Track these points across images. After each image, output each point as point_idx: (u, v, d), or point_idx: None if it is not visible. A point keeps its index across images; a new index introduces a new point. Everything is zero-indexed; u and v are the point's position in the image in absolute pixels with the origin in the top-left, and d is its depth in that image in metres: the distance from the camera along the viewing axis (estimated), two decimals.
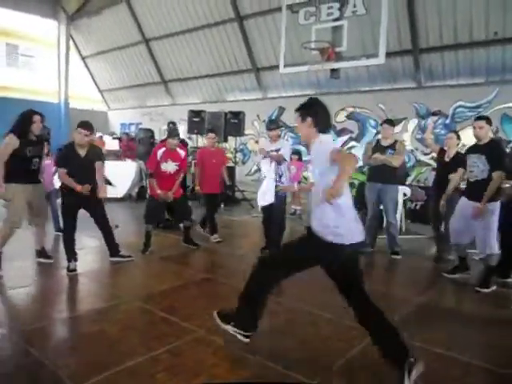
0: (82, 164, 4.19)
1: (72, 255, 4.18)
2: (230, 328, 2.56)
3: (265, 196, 4.90)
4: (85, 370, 2.37)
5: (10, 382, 2.25)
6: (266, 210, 5.00)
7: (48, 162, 5.33)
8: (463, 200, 4.25)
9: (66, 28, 15.47)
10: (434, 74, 9.06)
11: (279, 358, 2.58)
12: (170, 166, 4.98)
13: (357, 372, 2.47)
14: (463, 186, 4.56)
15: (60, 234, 5.66)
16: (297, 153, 8.01)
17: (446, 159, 4.85)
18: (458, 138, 4.92)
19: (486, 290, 3.97)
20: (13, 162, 3.96)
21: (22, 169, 4.02)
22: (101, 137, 10.42)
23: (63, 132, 13.38)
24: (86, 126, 4.15)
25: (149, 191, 5.43)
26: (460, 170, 4.57)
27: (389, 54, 7.52)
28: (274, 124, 5.23)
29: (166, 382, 2.30)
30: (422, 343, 2.85)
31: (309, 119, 2.57)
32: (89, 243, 5.25)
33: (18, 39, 15.89)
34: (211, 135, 5.85)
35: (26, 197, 4.09)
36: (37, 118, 4.09)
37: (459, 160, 4.60)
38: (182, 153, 5.12)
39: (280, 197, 4.94)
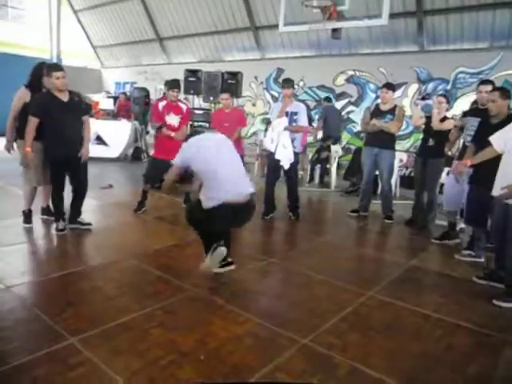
0: (65, 110, 3.86)
1: (60, 215, 4.09)
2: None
3: (281, 153, 4.82)
4: (81, 324, 2.42)
5: (9, 336, 2.28)
6: (275, 170, 4.98)
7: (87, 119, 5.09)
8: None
9: None
10: (436, 37, 8.81)
11: (272, 317, 2.64)
12: (173, 120, 4.85)
13: (347, 332, 2.53)
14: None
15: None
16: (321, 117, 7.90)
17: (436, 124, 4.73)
18: (448, 102, 4.85)
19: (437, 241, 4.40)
20: (25, 117, 3.81)
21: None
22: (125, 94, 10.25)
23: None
24: (58, 67, 3.91)
25: (153, 152, 5.26)
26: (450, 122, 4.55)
27: (392, 16, 7.24)
28: (289, 82, 4.99)
29: (160, 337, 2.35)
30: (410, 305, 2.93)
31: None
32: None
33: None
34: (224, 95, 5.32)
35: (39, 154, 3.95)
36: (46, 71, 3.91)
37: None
38: (183, 106, 5.00)
39: (293, 163, 4.90)
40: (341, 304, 2.89)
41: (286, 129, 4.82)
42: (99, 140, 8.77)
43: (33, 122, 3.80)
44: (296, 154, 4.97)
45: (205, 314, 2.66)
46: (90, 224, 4.28)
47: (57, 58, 15.18)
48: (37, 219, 4.39)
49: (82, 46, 16.37)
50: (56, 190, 4.07)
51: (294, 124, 4.86)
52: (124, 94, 11.12)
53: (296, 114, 4.88)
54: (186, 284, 3.07)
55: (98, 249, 3.90)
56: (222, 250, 3.03)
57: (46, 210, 4.46)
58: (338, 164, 7.92)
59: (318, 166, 7.72)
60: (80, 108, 4.07)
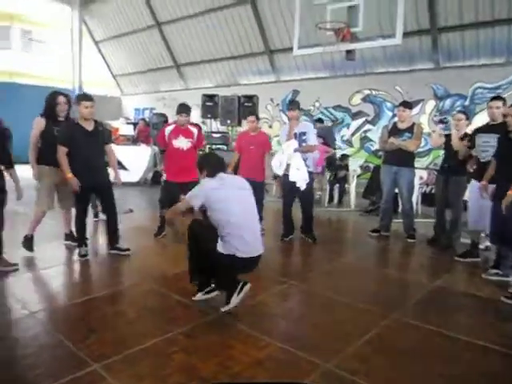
0: (90, 139, 4.02)
1: (83, 240, 4.18)
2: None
3: (295, 175, 4.82)
4: (104, 350, 2.43)
5: (34, 362, 2.31)
6: (291, 191, 4.96)
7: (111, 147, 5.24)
8: (475, 184, 4.16)
9: (78, 12, 15.45)
10: (452, 54, 8.82)
11: (293, 340, 2.60)
12: (182, 143, 4.80)
13: (371, 356, 2.47)
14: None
15: (97, 219, 5.78)
16: (320, 136, 7.89)
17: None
18: (467, 118, 4.79)
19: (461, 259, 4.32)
20: (42, 143, 4.07)
21: (51, 149, 3.96)
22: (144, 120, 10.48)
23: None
24: (88, 97, 4.07)
25: (164, 176, 5.32)
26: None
27: (406, 34, 7.32)
28: (294, 104, 5.07)
29: (182, 362, 2.34)
30: (436, 327, 2.84)
31: None
32: (101, 227, 5.31)
33: (31, 24, 15.95)
34: (251, 118, 5.26)
35: (54, 179, 4.14)
36: (61, 99, 4.14)
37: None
38: (194, 130, 4.94)
39: (308, 183, 4.88)
40: (364, 327, 2.83)
41: (295, 150, 4.83)
42: (119, 165, 8.91)
43: (61, 151, 3.96)
44: (310, 174, 4.95)
45: (225, 338, 2.63)
46: (128, 250, 4.33)
47: (79, 88, 15.75)
48: (60, 244, 4.49)
49: (102, 75, 16.97)
50: (79, 215, 4.17)
51: (303, 144, 4.85)
52: (143, 120, 11.40)
53: (305, 134, 4.88)
54: (206, 308, 3.06)
55: (119, 273, 3.95)
56: (248, 288, 2.95)
57: (69, 236, 4.56)
58: (356, 183, 7.87)
59: (337, 185, 7.69)
60: (103, 137, 4.22)
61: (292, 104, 5.12)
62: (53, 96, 4.15)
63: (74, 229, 4.37)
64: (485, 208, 3.90)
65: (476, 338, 2.71)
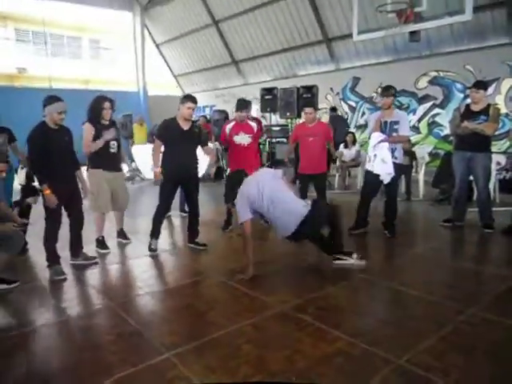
0: (184, 138, 4.18)
1: (155, 234, 4.35)
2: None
3: (380, 168, 4.57)
4: (176, 339, 2.53)
5: (114, 349, 2.47)
6: (372, 184, 4.74)
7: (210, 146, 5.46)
8: None
9: (140, 18, 16.19)
10: None
11: (363, 335, 2.53)
12: (243, 139, 4.87)
13: (447, 353, 2.32)
14: None
15: (184, 214, 5.98)
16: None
17: None
18: None
19: None
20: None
21: (102, 153, 4.15)
22: (205, 117, 10.75)
23: (145, 119, 14.11)
24: (193, 99, 4.16)
25: (229, 171, 5.42)
26: None
27: (476, 9, 6.78)
28: (388, 90, 4.65)
29: (250, 354, 2.36)
30: None
31: None
32: (176, 223, 5.53)
33: (98, 33, 16.98)
34: (308, 109, 5.14)
35: (109, 183, 4.28)
36: (106, 104, 4.18)
37: None
38: (254, 125, 5.00)
39: (394, 176, 4.60)
40: (438, 322, 2.68)
41: (384, 141, 4.53)
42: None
43: (157, 145, 4.24)
44: (399, 166, 4.65)
45: (293, 331, 2.63)
46: (205, 245, 4.48)
47: (143, 90, 16.52)
48: (127, 241, 4.74)
49: (164, 77, 17.65)
50: (160, 209, 4.35)
51: (394, 134, 4.59)
52: (204, 116, 11.69)
53: (397, 123, 4.58)
54: (273, 301, 3.08)
55: (187, 267, 4.09)
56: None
57: (120, 234, 4.76)
58: (425, 171, 7.45)
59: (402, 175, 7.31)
60: (197, 138, 4.38)
61: (385, 90, 4.69)
62: (98, 101, 4.20)
63: (125, 228, 4.69)
64: None
65: None
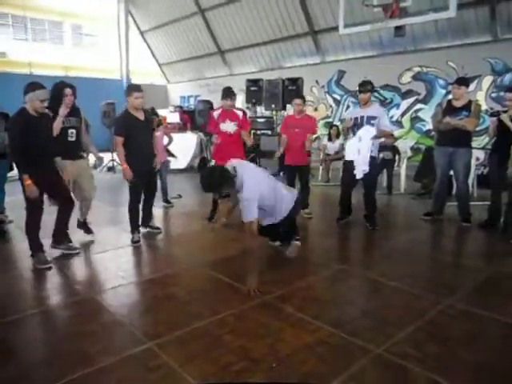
0: (143, 128, 4.19)
1: (136, 227, 4.35)
2: None
3: (359, 162, 4.64)
4: (158, 330, 2.54)
5: (95, 338, 2.46)
6: (353, 175, 4.76)
7: (158, 134, 5.39)
8: None
9: (124, 4, 15.87)
10: None
11: (343, 325, 2.58)
12: (229, 127, 4.86)
13: (424, 343, 2.39)
14: None
15: (168, 205, 6.00)
16: None
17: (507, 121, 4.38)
18: None
19: None
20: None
21: (59, 142, 3.91)
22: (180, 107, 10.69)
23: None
24: (138, 87, 4.15)
25: (214, 162, 5.40)
26: None
27: (460, 6, 6.86)
28: (365, 85, 4.68)
29: (232, 343, 2.39)
30: (496, 315, 2.71)
31: None
32: (154, 212, 5.49)
33: (80, 19, 16.54)
34: (297, 101, 5.25)
35: (70, 172, 4.03)
36: (67, 90, 3.99)
37: None
38: (239, 113, 4.99)
39: (371, 169, 4.65)
40: (416, 313, 2.75)
41: (375, 137, 4.59)
42: (168, 152, 9.20)
43: (119, 142, 4.13)
44: (373, 159, 4.70)
45: (275, 321, 2.66)
46: (159, 228, 4.61)
47: (126, 78, 16.25)
48: (112, 230, 4.70)
49: (148, 65, 17.38)
50: (133, 202, 4.34)
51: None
52: (180, 107, 11.64)
53: (374, 118, 4.62)
54: (256, 292, 3.10)
55: (170, 257, 4.08)
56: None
57: (82, 225, 4.50)
58: (406, 165, 7.57)
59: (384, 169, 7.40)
60: (152, 124, 4.41)
61: (362, 86, 4.70)
62: (59, 87, 4.00)
63: (108, 216, 4.64)
64: None
65: None
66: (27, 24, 14.51)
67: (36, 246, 3.64)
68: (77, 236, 4.31)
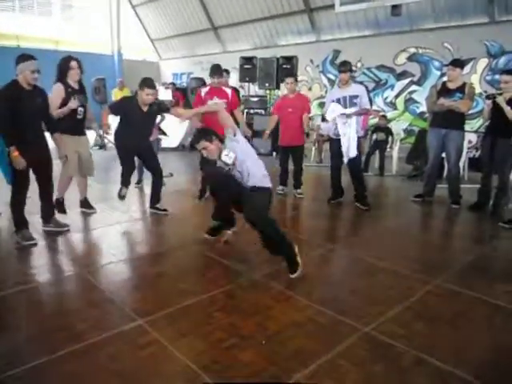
0: (142, 119, 4.23)
1: (126, 182, 4.43)
2: None
3: (345, 146, 4.67)
4: (148, 307, 2.54)
5: (84, 316, 2.46)
6: (339, 155, 4.80)
7: None
8: None
9: None
10: (510, 6, 8.07)
11: (333, 304, 2.61)
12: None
13: (411, 322, 2.43)
14: None
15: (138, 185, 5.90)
16: None
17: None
18: None
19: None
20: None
21: (70, 119, 4.01)
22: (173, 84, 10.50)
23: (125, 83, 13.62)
24: (153, 85, 4.14)
25: None
26: None
27: None
28: (346, 65, 4.73)
29: (222, 320, 2.40)
30: (481, 295, 2.76)
31: None
32: (147, 191, 5.45)
33: None
34: (289, 79, 5.24)
35: (75, 147, 4.14)
36: (73, 63, 3.98)
37: None
38: (228, 90, 4.96)
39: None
40: (405, 292, 2.79)
41: (349, 114, 4.61)
42: (159, 130, 9.09)
43: (107, 112, 4.24)
44: (358, 139, 4.76)
45: (264, 299, 2.68)
46: (166, 210, 4.55)
47: (118, 54, 15.89)
48: (102, 208, 4.66)
49: (140, 40, 16.98)
50: (125, 166, 4.42)
51: (353, 109, 4.65)
52: (173, 84, 11.41)
53: (356, 97, 4.65)
54: (245, 269, 3.12)
55: (161, 235, 4.08)
56: None
57: (84, 203, 4.54)
58: (399, 147, 7.57)
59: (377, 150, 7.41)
60: (155, 117, 4.49)
61: (342, 65, 4.75)
62: (66, 60, 4.00)
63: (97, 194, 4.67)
64: None
65: None
66: None
67: (20, 222, 3.59)
68: (71, 213, 4.28)
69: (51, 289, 2.87)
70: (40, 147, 3.62)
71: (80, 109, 4.10)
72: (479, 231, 4.36)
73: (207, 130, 3.37)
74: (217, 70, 4.87)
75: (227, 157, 3.13)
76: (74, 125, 4.09)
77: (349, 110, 4.64)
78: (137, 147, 4.32)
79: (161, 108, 4.46)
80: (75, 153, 4.17)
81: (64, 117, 3.97)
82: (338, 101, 4.72)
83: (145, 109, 4.20)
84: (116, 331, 2.28)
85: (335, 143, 4.84)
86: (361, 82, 8.24)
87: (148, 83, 4.11)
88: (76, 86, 4.08)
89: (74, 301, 2.66)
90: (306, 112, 5.30)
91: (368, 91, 5.13)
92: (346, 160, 4.76)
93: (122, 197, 4.44)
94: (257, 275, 3.02)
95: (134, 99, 4.22)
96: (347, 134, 4.65)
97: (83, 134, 4.31)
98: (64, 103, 3.95)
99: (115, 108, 4.30)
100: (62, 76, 4.00)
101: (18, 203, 3.56)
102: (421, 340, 2.24)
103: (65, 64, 3.99)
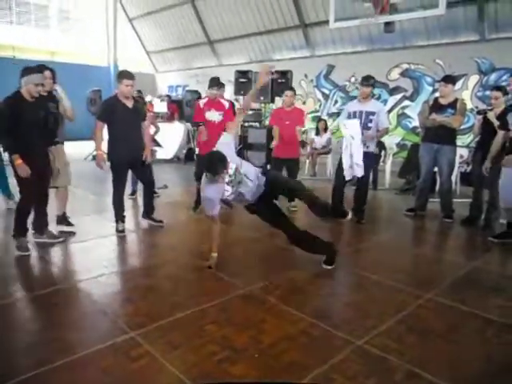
0: (130, 116, 4.08)
1: (120, 216, 4.28)
2: None
3: (352, 167, 4.60)
4: (141, 319, 2.53)
5: (77, 327, 2.44)
6: (342, 178, 4.78)
7: (146, 123, 5.27)
8: None
9: None
10: (499, 24, 8.26)
11: (326, 317, 2.61)
12: (214, 116, 4.87)
13: (404, 335, 2.44)
14: None
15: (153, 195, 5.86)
16: None
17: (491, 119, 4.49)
18: (505, 93, 4.54)
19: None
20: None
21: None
22: (149, 101, 10.52)
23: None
24: (130, 75, 4.03)
25: (197, 150, 5.38)
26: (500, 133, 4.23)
27: (450, 4, 6.90)
28: (368, 80, 4.74)
29: (215, 333, 2.39)
30: (473, 309, 2.77)
31: None
32: (138, 202, 5.45)
33: (67, 3, 16.14)
34: (289, 92, 5.34)
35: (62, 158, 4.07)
36: (46, 73, 3.88)
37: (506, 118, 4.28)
38: (225, 103, 5.00)
39: (369, 164, 4.73)
40: (397, 306, 2.80)
41: (366, 138, 4.62)
42: (154, 142, 9.12)
43: (99, 126, 4.06)
44: (372, 155, 4.80)
45: (258, 312, 2.68)
46: (161, 221, 4.49)
47: (114, 66, 15.98)
48: (96, 218, 4.64)
49: (136, 53, 17.11)
50: (117, 192, 4.25)
51: (369, 125, 4.68)
52: (168, 96, 11.49)
53: (373, 114, 4.68)
54: (239, 282, 3.12)
55: (155, 247, 4.06)
56: None
57: (62, 218, 4.36)
58: (391, 161, 7.64)
59: None
60: (141, 113, 4.30)
61: (365, 80, 4.75)
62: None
63: (92, 206, 4.56)
64: None
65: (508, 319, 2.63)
66: (11, 5, 14.11)
67: (21, 230, 3.58)
68: (59, 226, 4.25)
69: (43, 300, 2.83)
70: (42, 159, 3.63)
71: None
72: (471, 245, 4.39)
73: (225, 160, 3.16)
74: (216, 82, 4.93)
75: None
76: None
77: (365, 135, 4.60)
78: (133, 153, 4.15)
79: (143, 110, 4.38)
80: (66, 164, 4.14)
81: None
82: (355, 114, 4.75)
83: (129, 104, 4.09)
84: (108, 343, 2.26)
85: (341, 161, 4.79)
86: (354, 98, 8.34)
87: (125, 74, 4.05)
88: (45, 94, 3.87)
89: (66, 313, 2.64)
90: (300, 125, 5.36)
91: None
92: (346, 174, 4.71)
93: (120, 231, 4.25)
94: (250, 288, 3.02)
95: (115, 97, 4.11)
96: (348, 150, 4.63)
97: (58, 142, 4.13)
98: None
99: (101, 113, 4.14)
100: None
101: (23, 211, 3.57)
102: (413, 354, 2.25)
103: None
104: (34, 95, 3.45)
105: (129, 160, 4.17)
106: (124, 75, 4.05)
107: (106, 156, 4.14)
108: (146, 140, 4.36)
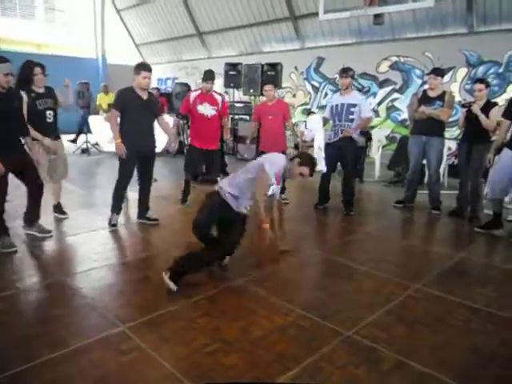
0: (143, 107, 4.05)
1: (117, 209, 4.26)
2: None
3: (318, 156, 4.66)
4: (131, 313, 2.54)
5: (67, 321, 2.43)
6: (333, 162, 4.92)
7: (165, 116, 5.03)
8: (507, 152, 4.01)
9: None
10: (488, 17, 8.31)
11: (315, 308, 2.64)
12: (207, 110, 4.82)
13: (392, 325, 2.48)
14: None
15: None
16: None
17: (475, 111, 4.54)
18: (487, 86, 4.62)
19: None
20: (29, 118, 3.72)
21: (38, 124, 3.90)
22: (157, 89, 10.40)
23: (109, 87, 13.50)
24: (148, 67, 4.00)
25: (189, 140, 5.36)
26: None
27: None
28: (346, 71, 4.79)
29: (206, 325, 2.41)
30: (460, 299, 2.83)
31: None
32: (130, 196, 5.42)
33: None
34: (267, 86, 5.24)
35: (43, 151, 4.03)
36: (37, 69, 3.86)
37: (490, 107, 4.45)
38: (219, 97, 4.93)
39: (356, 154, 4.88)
40: (386, 296, 2.84)
41: (355, 131, 4.79)
42: None
43: (114, 115, 4.04)
44: (358, 148, 4.96)
45: (248, 304, 2.69)
46: (156, 220, 4.42)
47: (102, 58, 15.77)
48: (87, 213, 4.61)
49: (125, 45, 16.89)
50: (120, 182, 4.20)
51: (350, 117, 4.76)
52: (157, 89, 11.38)
53: (354, 106, 4.74)
54: (229, 274, 3.13)
55: (145, 241, 4.05)
56: None
57: (57, 208, 4.47)
58: (381, 153, 7.69)
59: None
60: (156, 108, 4.26)
61: (344, 71, 4.81)
62: (29, 67, 3.87)
63: (81, 200, 4.52)
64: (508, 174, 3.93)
65: (500, 310, 2.68)
66: None
67: (0, 230, 3.51)
68: (50, 219, 4.21)
69: (32, 295, 2.82)
70: (17, 151, 3.53)
71: (49, 112, 4.02)
72: (458, 236, 4.46)
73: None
74: (211, 76, 4.85)
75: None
76: (44, 129, 3.98)
77: (346, 130, 4.76)
78: (144, 144, 4.12)
79: (158, 102, 4.39)
80: (46, 157, 4.09)
81: (34, 122, 3.81)
82: (337, 107, 4.82)
83: (144, 96, 4.06)
84: (98, 337, 2.26)
85: (329, 149, 4.85)
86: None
87: (143, 66, 4.03)
88: (41, 90, 3.97)
89: (56, 307, 2.62)
90: (287, 118, 5.31)
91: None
92: (323, 170, 4.83)
93: (113, 225, 4.21)
94: (240, 280, 3.03)
95: (132, 89, 4.06)
96: (317, 143, 4.78)
97: (57, 137, 4.21)
98: (29, 110, 3.77)
99: (117, 102, 4.08)
100: (24, 83, 3.84)
101: None
102: (402, 343, 2.29)
103: (28, 70, 3.86)
104: (4, 85, 3.32)
105: (138, 151, 4.09)
106: (142, 67, 4.01)
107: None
108: (168, 131, 4.48)
